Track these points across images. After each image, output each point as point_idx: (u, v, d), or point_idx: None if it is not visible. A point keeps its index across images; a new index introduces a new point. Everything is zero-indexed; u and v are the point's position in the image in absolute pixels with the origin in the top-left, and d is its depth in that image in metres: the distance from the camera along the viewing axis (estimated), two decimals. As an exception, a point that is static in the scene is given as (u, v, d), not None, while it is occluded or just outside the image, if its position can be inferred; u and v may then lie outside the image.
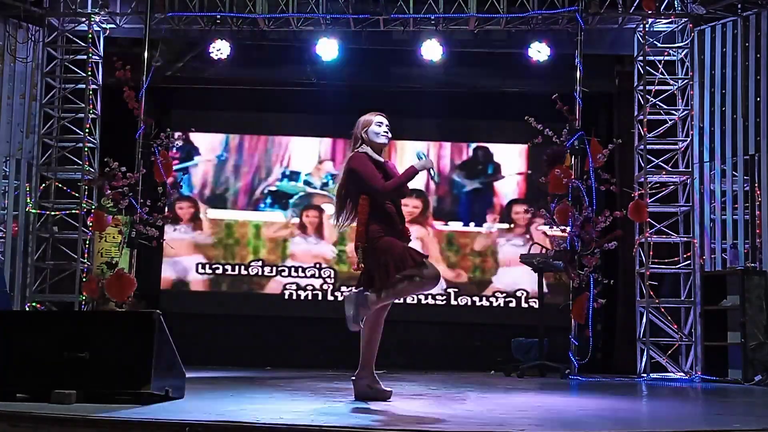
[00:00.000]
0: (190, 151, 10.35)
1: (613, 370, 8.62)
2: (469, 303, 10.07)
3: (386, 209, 4.78)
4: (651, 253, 8.72)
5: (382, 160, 4.90)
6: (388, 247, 4.64)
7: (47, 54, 9.08)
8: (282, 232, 10.34)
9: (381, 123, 4.91)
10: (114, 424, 3.33)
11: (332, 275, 10.19)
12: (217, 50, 9.14)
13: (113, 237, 8.88)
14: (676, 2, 8.97)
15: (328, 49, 9.15)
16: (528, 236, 10.18)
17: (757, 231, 8.14)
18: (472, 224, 10.44)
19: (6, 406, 3.61)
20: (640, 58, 8.97)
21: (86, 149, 8.91)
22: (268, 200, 10.43)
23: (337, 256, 10.28)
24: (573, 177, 8.24)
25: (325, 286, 10.17)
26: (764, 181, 8.27)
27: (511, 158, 10.51)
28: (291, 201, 10.43)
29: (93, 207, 8.78)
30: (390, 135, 4.92)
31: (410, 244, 4.82)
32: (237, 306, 10.11)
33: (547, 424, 3.91)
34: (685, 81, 8.96)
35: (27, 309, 8.47)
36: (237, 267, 10.20)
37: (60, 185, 8.95)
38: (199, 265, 10.17)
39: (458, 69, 9.83)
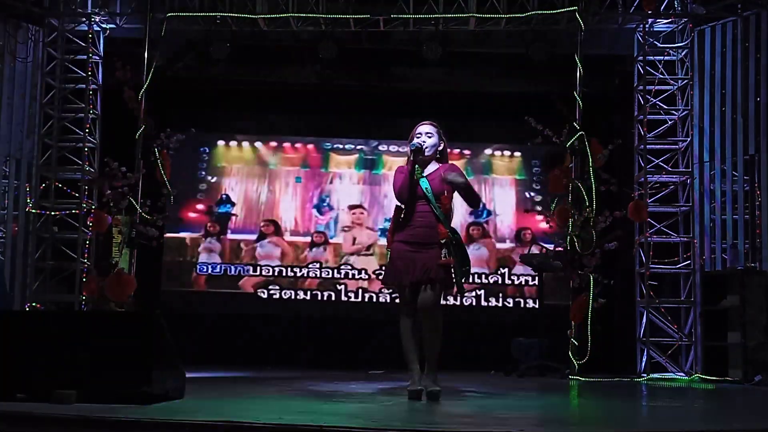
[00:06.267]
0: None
1: (613, 370, 8.61)
2: (469, 303, 10.05)
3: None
4: (651, 253, 8.72)
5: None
6: None
7: (47, 54, 9.06)
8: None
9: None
10: (114, 424, 3.33)
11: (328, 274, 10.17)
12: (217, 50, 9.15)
13: (113, 237, 8.86)
14: (676, 2, 8.97)
15: (328, 49, 9.15)
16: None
17: (757, 231, 8.14)
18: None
19: (6, 406, 3.61)
20: (640, 58, 8.96)
21: (86, 149, 8.91)
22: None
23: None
24: (573, 177, 8.25)
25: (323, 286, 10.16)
26: (764, 181, 8.27)
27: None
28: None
29: (93, 207, 8.77)
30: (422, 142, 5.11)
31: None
32: (237, 306, 10.10)
33: (547, 424, 3.91)
34: (685, 81, 8.96)
35: (27, 309, 8.46)
36: (237, 267, 10.18)
37: (60, 185, 8.94)
38: (199, 266, 10.16)
39: (458, 69, 9.83)
